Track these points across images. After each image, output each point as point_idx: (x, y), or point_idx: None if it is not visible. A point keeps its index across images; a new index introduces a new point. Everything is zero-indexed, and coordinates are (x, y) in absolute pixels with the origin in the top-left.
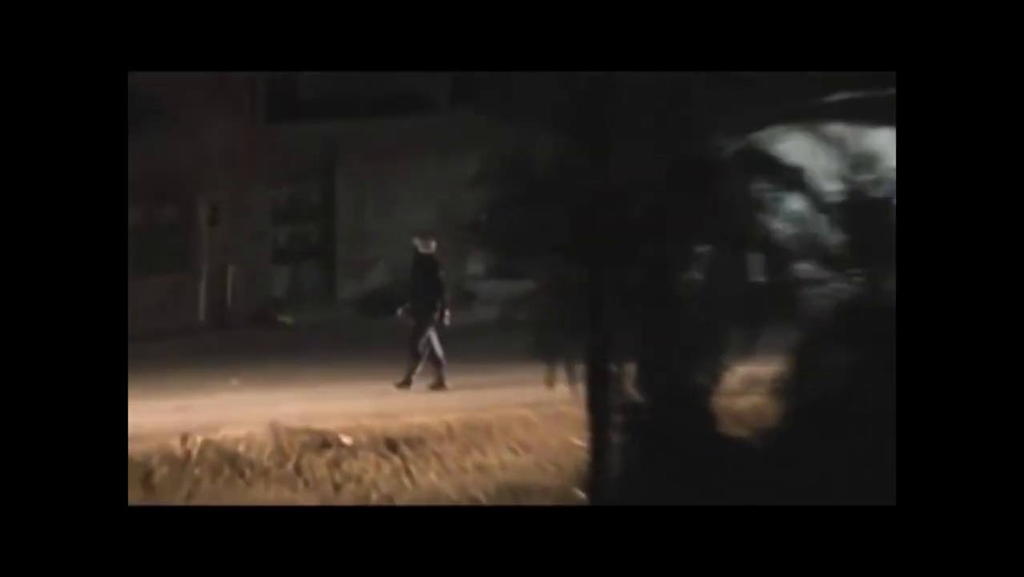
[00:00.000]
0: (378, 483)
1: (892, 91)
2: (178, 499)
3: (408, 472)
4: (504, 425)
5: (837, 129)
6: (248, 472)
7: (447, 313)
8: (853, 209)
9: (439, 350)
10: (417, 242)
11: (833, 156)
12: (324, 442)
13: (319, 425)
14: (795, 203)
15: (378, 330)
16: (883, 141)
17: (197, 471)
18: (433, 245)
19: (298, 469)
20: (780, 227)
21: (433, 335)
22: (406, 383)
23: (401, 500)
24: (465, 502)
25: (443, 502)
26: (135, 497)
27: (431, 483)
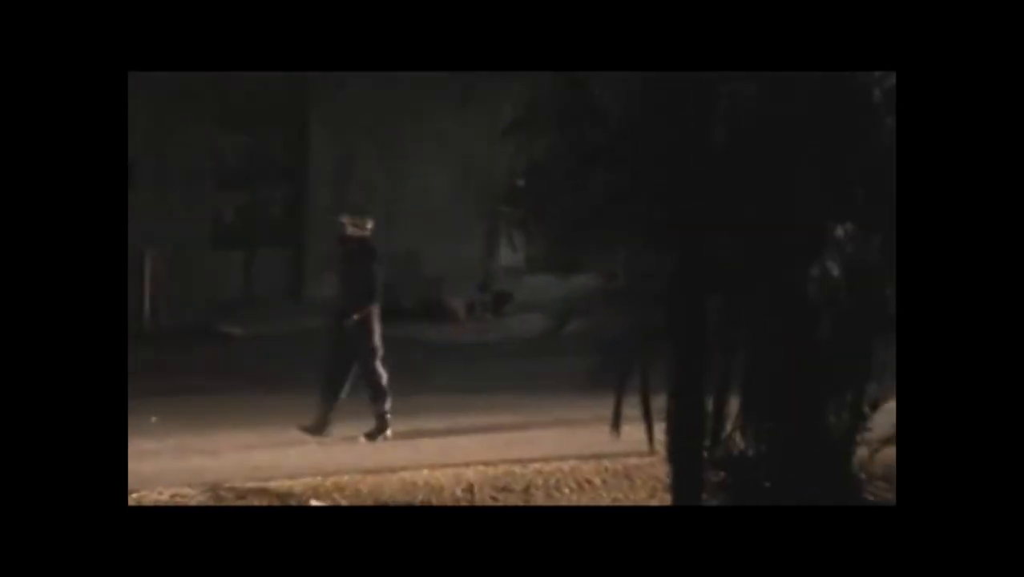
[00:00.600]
0: None
1: None
2: None
3: None
4: (550, 486)
5: None
6: None
7: (373, 320)
8: None
9: (382, 376)
10: (346, 222)
11: None
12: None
13: (277, 484)
14: None
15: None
16: None
17: None
18: (370, 226)
19: None
20: None
21: (374, 353)
22: (317, 428)
23: None
24: None
25: None
26: None
27: None
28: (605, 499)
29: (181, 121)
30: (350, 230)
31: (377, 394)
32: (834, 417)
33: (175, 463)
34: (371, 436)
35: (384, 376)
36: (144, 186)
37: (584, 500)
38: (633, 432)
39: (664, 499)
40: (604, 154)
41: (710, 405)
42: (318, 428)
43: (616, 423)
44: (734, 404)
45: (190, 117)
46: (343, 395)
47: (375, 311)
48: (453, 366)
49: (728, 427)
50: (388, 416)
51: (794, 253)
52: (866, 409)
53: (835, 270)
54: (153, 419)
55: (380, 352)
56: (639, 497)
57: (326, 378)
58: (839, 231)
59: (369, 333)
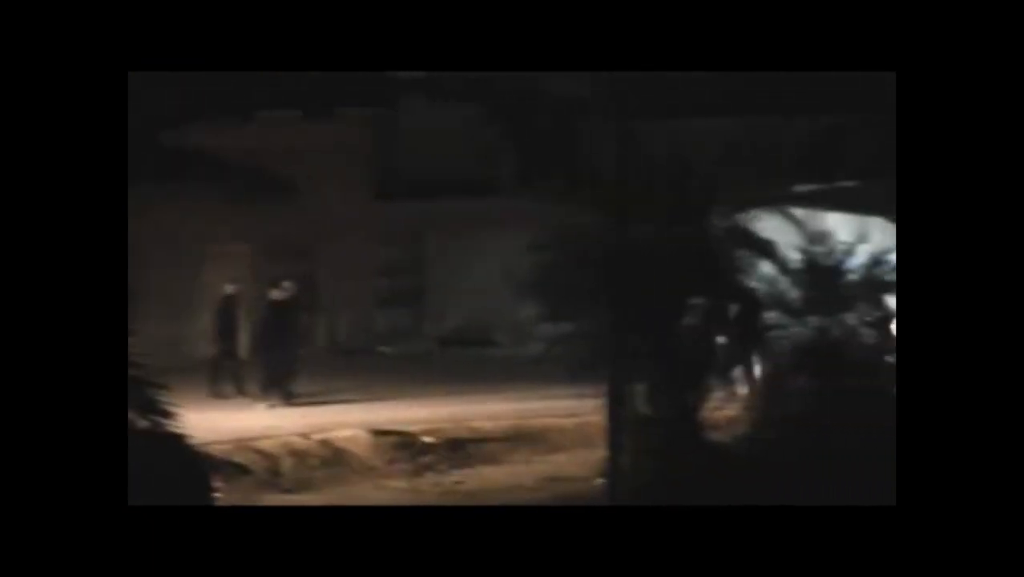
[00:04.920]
0: (448, 471)
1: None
2: None
3: (471, 464)
4: (544, 430)
5: (799, 213)
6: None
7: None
8: (809, 272)
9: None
10: (272, 290)
11: (795, 232)
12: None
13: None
14: (766, 267)
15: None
16: (834, 223)
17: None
18: (290, 289)
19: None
20: (755, 285)
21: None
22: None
23: (465, 485)
24: (513, 484)
25: (497, 487)
26: None
27: (488, 473)
28: (573, 436)
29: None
30: (275, 295)
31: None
32: (694, 396)
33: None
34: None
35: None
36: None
37: (563, 437)
38: (590, 403)
39: (604, 438)
40: (576, 263)
41: (629, 389)
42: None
43: (580, 398)
44: (641, 389)
45: (365, 240)
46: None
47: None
48: None
49: (637, 401)
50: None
51: (673, 311)
52: (711, 392)
53: (694, 320)
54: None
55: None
56: (591, 436)
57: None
58: (697, 300)
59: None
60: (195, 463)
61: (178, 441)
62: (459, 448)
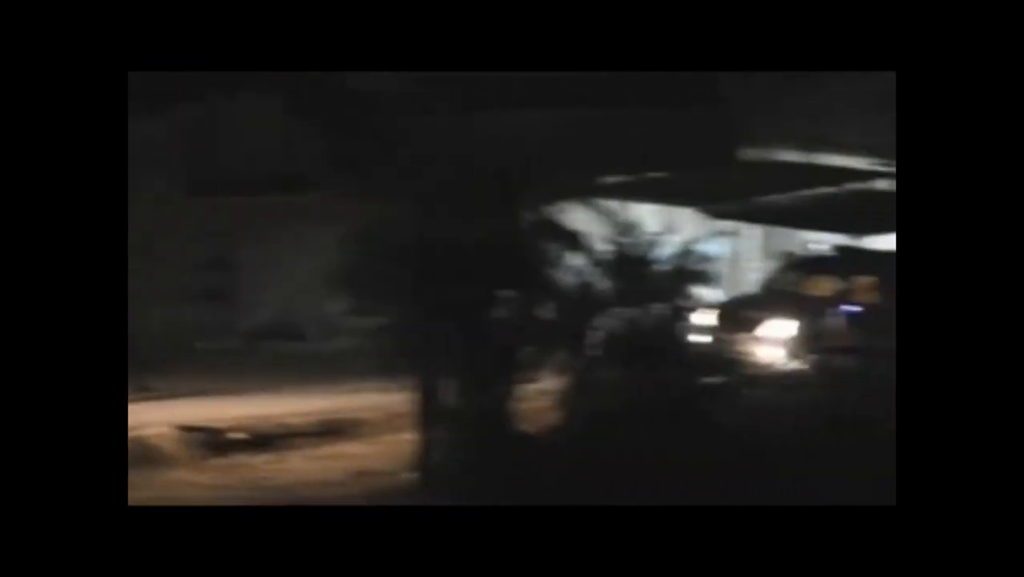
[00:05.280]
0: (260, 466)
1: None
2: None
3: (282, 459)
4: (355, 424)
5: (608, 204)
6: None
7: None
8: (618, 264)
9: None
10: None
11: (604, 224)
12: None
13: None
14: (576, 259)
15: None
16: (642, 212)
17: None
18: None
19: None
20: (564, 277)
21: None
22: None
23: (276, 481)
24: (321, 481)
25: (306, 481)
26: None
27: (299, 467)
28: (384, 430)
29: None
30: None
31: None
32: (503, 390)
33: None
34: None
35: None
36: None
37: (374, 431)
38: (400, 397)
39: (415, 432)
40: (386, 258)
41: (439, 383)
42: None
43: (391, 392)
44: (451, 383)
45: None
46: None
47: None
48: None
49: (447, 394)
50: None
51: (483, 305)
52: (519, 385)
53: (504, 313)
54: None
55: None
56: (402, 429)
57: None
58: (506, 293)
59: None
60: None
61: None
62: (269, 444)
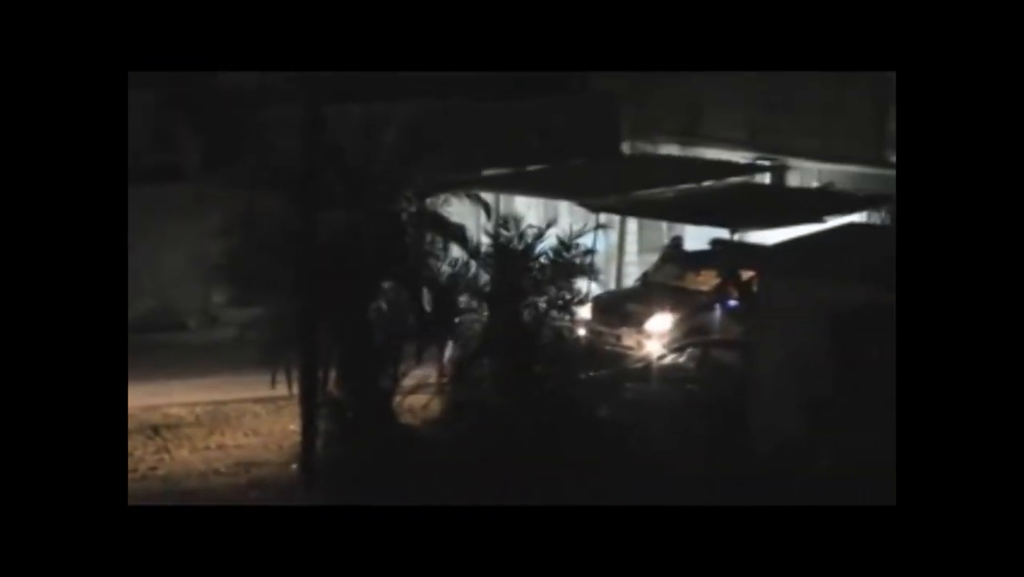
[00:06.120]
0: (145, 457)
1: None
2: None
3: (167, 449)
4: (239, 415)
5: (488, 197)
6: None
7: None
8: (498, 256)
9: None
10: None
11: (485, 217)
12: None
13: None
14: (456, 251)
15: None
16: (520, 206)
17: None
18: None
19: None
20: (445, 269)
21: None
22: None
23: (161, 470)
24: (208, 469)
25: (192, 472)
26: None
27: (184, 457)
28: (267, 421)
29: None
30: None
31: None
32: (385, 379)
33: None
34: None
35: None
36: None
37: (257, 422)
38: (281, 388)
39: (297, 423)
40: (265, 249)
41: (321, 374)
42: None
43: (273, 383)
44: (333, 374)
45: None
46: None
47: None
48: None
49: (329, 386)
50: None
51: (364, 297)
52: (401, 375)
53: (385, 305)
54: None
55: None
56: (284, 420)
57: None
58: (387, 285)
59: None
60: None
61: None
62: (154, 434)
